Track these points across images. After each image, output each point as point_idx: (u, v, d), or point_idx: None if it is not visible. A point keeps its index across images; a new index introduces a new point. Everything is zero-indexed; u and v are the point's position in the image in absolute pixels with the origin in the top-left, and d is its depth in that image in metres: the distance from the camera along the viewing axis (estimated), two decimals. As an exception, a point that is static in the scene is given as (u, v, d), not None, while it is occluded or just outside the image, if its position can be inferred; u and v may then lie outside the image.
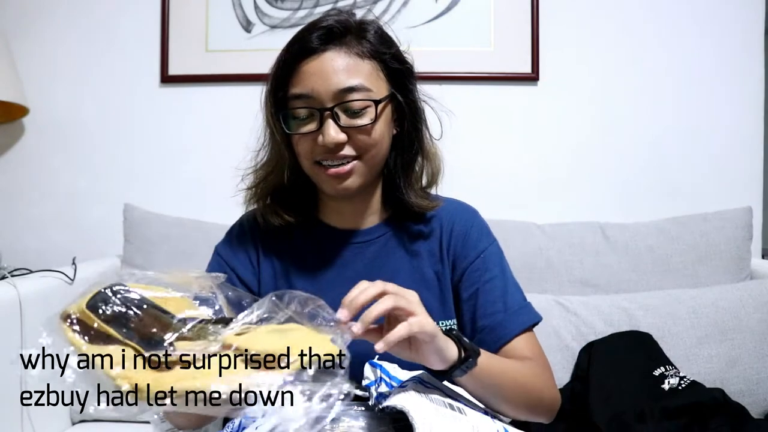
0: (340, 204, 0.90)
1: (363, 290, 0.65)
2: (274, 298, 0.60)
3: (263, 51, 1.71)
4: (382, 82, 0.82)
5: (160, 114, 1.78)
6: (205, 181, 1.74)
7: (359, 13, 0.86)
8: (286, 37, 0.83)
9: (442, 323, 0.86)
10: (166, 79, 1.76)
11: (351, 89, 0.78)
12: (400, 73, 0.84)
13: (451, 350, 0.69)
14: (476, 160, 1.69)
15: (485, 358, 0.74)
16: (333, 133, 0.78)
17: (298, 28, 0.83)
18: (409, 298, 0.66)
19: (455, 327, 0.87)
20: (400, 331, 0.63)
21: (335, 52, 0.79)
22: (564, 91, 1.72)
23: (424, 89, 0.90)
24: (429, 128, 0.90)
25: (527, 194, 1.72)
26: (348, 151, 0.80)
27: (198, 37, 1.76)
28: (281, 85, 0.81)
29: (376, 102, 0.80)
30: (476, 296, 0.87)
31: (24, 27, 1.78)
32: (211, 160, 1.74)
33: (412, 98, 0.86)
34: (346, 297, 0.64)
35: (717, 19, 1.69)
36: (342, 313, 0.63)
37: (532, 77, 1.71)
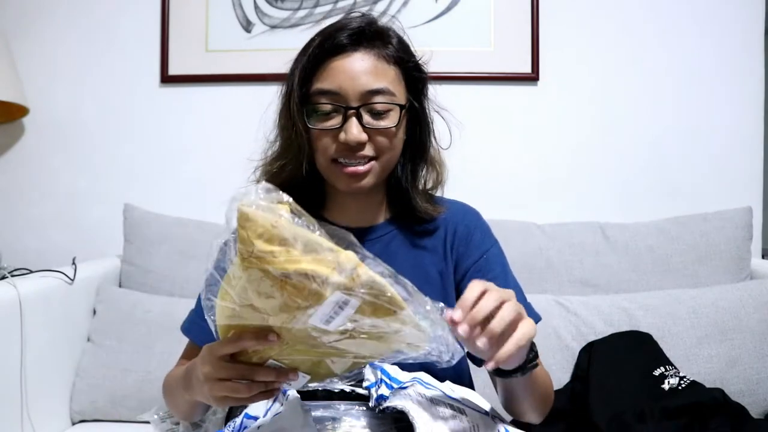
0: (346, 202, 0.91)
1: (485, 298, 0.60)
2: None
3: (263, 51, 1.70)
4: (402, 89, 0.85)
5: (160, 114, 1.78)
6: (205, 181, 1.74)
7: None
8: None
9: None
10: (166, 79, 1.76)
11: (378, 91, 0.80)
12: (418, 82, 0.87)
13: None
14: (476, 160, 1.69)
15: None
16: (356, 131, 0.79)
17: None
18: (518, 304, 0.63)
19: None
20: (509, 348, 0.59)
21: (365, 53, 0.81)
22: (564, 91, 1.72)
23: (438, 100, 0.92)
24: (436, 137, 0.92)
25: (527, 194, 1.72)
26: (367, 151, 0.82)
27: (198, 37, 1.76)
28: (306, 79, 0.82)
29: (401, 107, 0.82)
30: None
31: (24, 27, 1.78)
32: (211, 160, 1.74)
33: (426, 107, 0.89)
34: (464, 301, 0.60)
35: (717, 19, 1.69)
36: (457, 314, 0.59)
37: (532, 77, 1.71)
